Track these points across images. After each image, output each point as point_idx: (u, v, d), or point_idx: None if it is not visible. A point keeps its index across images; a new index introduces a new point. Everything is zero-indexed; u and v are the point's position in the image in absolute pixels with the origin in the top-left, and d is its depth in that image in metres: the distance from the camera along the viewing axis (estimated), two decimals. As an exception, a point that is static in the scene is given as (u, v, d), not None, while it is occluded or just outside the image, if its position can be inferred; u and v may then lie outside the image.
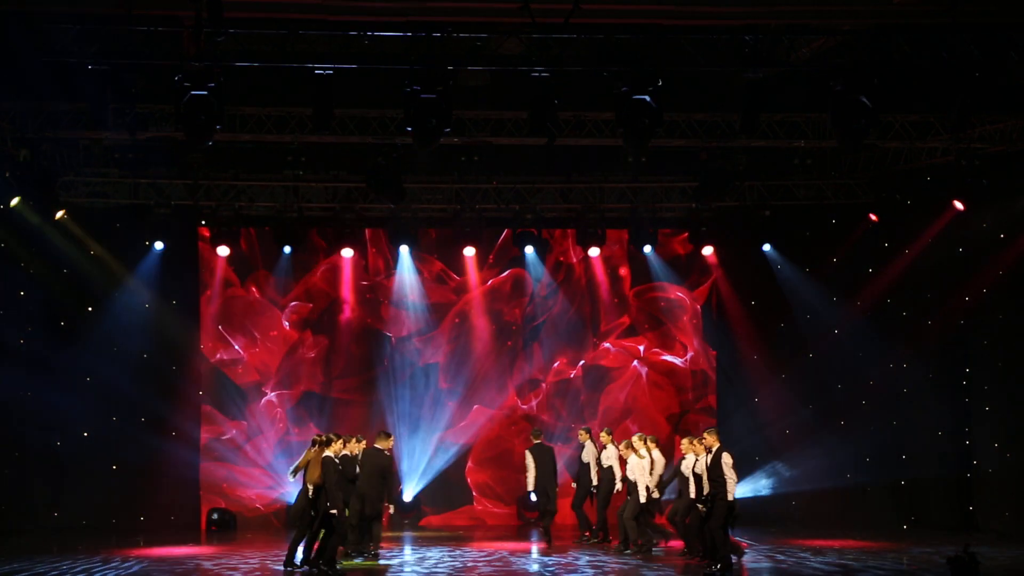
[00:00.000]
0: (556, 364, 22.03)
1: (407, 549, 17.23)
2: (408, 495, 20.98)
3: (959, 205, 18.25)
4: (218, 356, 21.39)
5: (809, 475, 20.38)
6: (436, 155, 17.18)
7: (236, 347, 21.50)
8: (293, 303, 21.62)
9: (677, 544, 16.58)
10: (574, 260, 22.02)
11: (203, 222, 20.35)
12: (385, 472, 15.67)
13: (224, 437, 21.08)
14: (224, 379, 21.40)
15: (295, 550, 14.63)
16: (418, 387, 21.68)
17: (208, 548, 17.12)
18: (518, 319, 22.02)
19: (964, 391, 19.39)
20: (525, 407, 21.88)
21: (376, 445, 15.87)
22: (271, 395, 21.46)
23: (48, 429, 19.74)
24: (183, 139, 15.02)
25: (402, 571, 14.92)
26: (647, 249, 21.11)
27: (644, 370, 22.08)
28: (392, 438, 16.26)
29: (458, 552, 16.73)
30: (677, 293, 22.16)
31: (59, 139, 17.01)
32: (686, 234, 21.49)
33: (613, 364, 22.08)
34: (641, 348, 22.13)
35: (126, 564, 15.67)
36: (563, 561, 15.70)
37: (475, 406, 21.73)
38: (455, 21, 13.94)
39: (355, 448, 15.36)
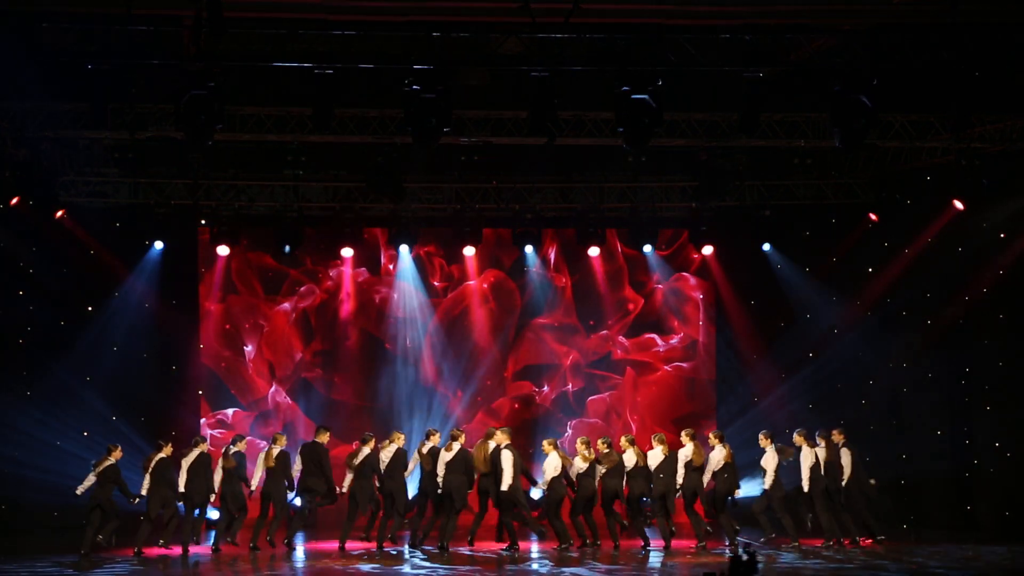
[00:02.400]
0: (555, 364, 22.03)
1: (406, 548, 17.22)
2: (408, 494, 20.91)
3: (959, 205, 18.25)
4: (218, 356, 21.40)
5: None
6: (436, 155, 17.18)
7: (236, 347, 21.50)
8: (293, 302, 21.63)
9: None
10: (564, 267, 22.01)
11: (203, 222, 20.33)
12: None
13: (223, 437, 21.07)
14: (224, 379, 21.41)
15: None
16: (418, 386, 21.68)
17: (208, 548, 17.10)
18: (517, 318, 22.02)
19: (964, 391, 19.38)
20: (523, 405, 21.89)
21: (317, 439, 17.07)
22: (271, 395, 21.47)
23: (48, 429, 19.71)
24: (183, 139, 15.02)
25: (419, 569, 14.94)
26: (647, 249, 21.11)
27: (642, 370, 22.09)
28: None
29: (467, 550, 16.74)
30: (675, 294, 22.16)
31: (59, 139, 17.01)
32: (685, 234, 21.52)
33: (611, 363, 22.07)
34: (639, 348, 22.13)
35: (126, 564, 15.67)
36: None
37: (473, 405, 21.74)
38: (455, 21, 13.96)
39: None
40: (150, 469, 16.73)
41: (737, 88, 13.97)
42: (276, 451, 16.86)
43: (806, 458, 16.80)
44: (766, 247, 21.05)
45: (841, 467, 16.98)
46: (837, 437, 17.14)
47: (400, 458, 16.85)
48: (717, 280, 21.98)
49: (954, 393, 19.49)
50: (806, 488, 16.75)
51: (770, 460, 16.87)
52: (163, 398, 20.56)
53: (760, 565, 7.65)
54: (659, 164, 19.41)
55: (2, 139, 16.67)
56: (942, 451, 19.52)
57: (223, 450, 17.26)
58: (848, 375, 20.46)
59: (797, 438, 17.03)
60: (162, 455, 16.89)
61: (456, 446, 16.59)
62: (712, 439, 16.95)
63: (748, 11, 13.92)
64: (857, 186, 20.05)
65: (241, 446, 17.16)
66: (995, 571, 14.40)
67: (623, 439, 17.20)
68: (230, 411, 21.41)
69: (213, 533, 17.41)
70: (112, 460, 16.81)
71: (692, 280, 22.18)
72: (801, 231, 20.81)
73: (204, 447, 17.06)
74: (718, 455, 16.71)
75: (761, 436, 17.09)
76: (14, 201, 17.43)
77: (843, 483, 16.94)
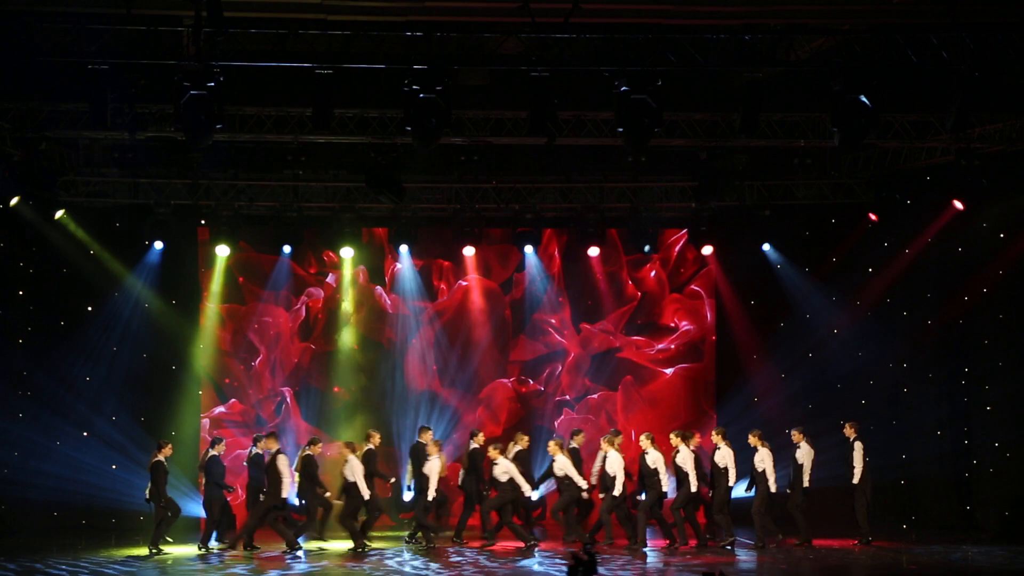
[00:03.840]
0: (554, 362, 22.02)
1: (405, 549, 17.25)
2: (407, 496, 20.93)
3: (959, 205, 18.25)
4: (218, 356, 21.39)
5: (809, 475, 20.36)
6: (436, 155, 17.17)
7: (235, 347, 21.49)
8: (292, 302, 21.62)
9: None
10: (563, 267, 22.01)
11: (203, 222, 20.32)
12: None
13: (223, 436, 21.06)
14: (223, 379, 21.41)
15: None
16: (417, 385, 21.68)
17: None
18: (517, 317, 22.01)
19: (964, 391, 19.38)
20: (523, 403, 21.89)
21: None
22: (270, 395, 21.46)
23: (48, 429, 19.73)
24: (183, 139, 15.01)
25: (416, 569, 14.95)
26: (647, 249, 21.09)
27: (641, 369, 22.08)
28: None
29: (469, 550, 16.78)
30: (675, 294, 22.17)
31: (59, 139, 17.01)
32: (684, 234, 21.53)
33: (611, 363, 22.06)
34: (638, 347, 22.13)
35: (126, 564, 15.70)
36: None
37: (473, 404, 21.74)
38: (455, 21, 13.94)
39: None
40: (204, 468, 17.12)
41: (737, 88, 13.96)
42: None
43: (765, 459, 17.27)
44: (766, 247, 21.06)
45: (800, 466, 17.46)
46: (797, 437, 17.54)
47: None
48: (717, 280, 21.98)
49: (954, 393, 19.49)
50: (773, 488, 17.20)
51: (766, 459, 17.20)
52: (163, 398, 20.57)
53: (598, 566, 7.73)
54: (659, 164, 19.39)
55: (2, 139, 16.67)
56: (942, 451, 19.53)
57: (300, 453, 17.68)
58: (848, 375, 20.46)
59: (752, 438, 17.46)
60: (215, 453, 17.12)
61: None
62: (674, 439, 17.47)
63: (748, 11, 13.89)
64: (857, 186, 20.04)
65: (315, 449, 17.46)
66: (995, 571, 14.41)
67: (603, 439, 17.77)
68: (229, 411, 21.39)
69: (214, 532, 17.43)
70: (159, 457, 16.95)
71: (692, 280, 22.17)
72: (801, 231, 20.81)
73: (273, 444, 17.35)
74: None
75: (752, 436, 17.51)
76: (14, 201, 17.42)
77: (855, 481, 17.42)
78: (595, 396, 22.02)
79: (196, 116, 12.98)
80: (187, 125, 13.14)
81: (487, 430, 21.49)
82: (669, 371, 22.11)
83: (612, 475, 17.11)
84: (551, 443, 17.68)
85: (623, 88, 13.29)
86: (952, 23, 13.65)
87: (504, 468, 17.17)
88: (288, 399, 21.48)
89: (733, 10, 13.84)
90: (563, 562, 15.28)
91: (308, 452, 17.34)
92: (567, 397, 21.99)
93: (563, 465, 17.33)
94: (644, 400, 22.02)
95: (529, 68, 13.51)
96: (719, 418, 21.55)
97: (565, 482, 17.38)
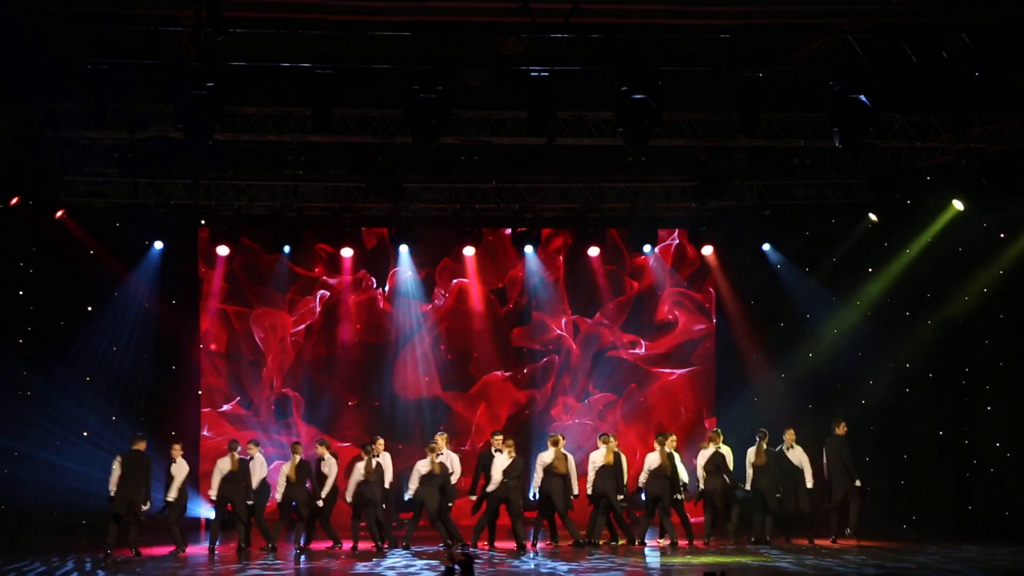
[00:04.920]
0: (554, 362, 22.02)
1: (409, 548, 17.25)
2: (408, 494, 20.91)
3: (959, 205, 18.26)
4: (218, 357, 21.38)
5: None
6: (436, 155, 17.18)
7: (235, 347, 21.48)
8: (292, 303, 21.61)
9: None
10: (563, 268, 22.00)
11: (203, 222, 20.32)
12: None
13: (223, 437, 21.06)
14: (224, 380, 21.40)
15: None
16: (417, 386, 21.67)
17: (207, 548, 17.12)
18: (516, 318, 22.00)
19: (964, 391, 19.39)
20: (523, 404, 21.89)
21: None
22: (269, 396, 21.46)
23: (47, 429, 19.73)
24: (183, 139, 15.02)
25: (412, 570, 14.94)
26: (647, 249, 21.10)
27: (641, 369, 22.08)
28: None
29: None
30: (675, 294, 22.16)
31: (59, 139, 17.00)
32: (684, 233, 21.52)
33: (610, 363, 22.05)
34: (638, 347, 22.12)
35: (126, 564, 15.68)
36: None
37: (473, 404, 21.74)
38: (455, 21, 13.95)
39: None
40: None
41: (737, 88, 13.97)
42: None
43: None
44: (766, 247, 21.06)
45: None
46: (758, 442, 17.64)
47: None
48: (717, 280, 21.97)
49: (954, 393, 19.50)
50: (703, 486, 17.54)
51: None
52: (163, 398, 20.57)
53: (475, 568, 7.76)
54: (659, 164, 19.39)
55: (2, 139, 16.68)
56: (942, 451, 19.54)
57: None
58: (848, 375, 20.46)
59: (713, 438, 17.71)
60: (245, 458, 17.19)
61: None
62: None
63: (748, 11, 13.91)
64: (857, 186, 20.04)
65: (378, 447, 17.29)
66: (995, 571, 14.40)
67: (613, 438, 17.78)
68: (229, 411, 21.39)
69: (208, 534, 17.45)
70: (174, 460, 17.23)
71: (692, 280, 22.17)
72: (801, 231, 20.81)
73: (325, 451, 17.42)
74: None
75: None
76: (14, 201, 17.43)
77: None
78: (594, 396, 22.01)
79: (196, 116, 13.00)
80: (187, 125, 13.16)
81: (486, 431, 21.52)
82: (669, 371, 22.11)
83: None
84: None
85: (623, 88, 13.30)
86: (952, 23, 13.66)
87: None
88: (287, 400, 21.47)
89: (733, 10, 13.85)
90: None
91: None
92: (567, 397, 21.98)
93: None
94: (643, 400, 22.00)
95: (529, 68, 13.52)
96: (718, 418, 21.55)
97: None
